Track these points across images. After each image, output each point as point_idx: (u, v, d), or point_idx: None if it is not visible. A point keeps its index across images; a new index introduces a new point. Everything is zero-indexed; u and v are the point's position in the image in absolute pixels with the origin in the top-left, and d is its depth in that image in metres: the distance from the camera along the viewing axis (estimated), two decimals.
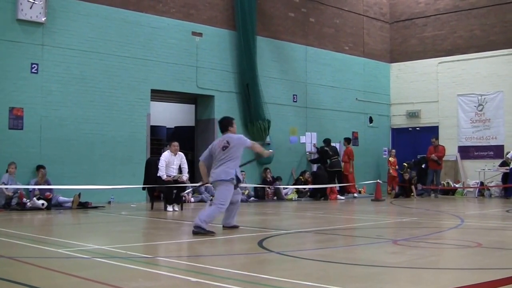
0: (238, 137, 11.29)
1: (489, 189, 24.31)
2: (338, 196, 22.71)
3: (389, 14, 28.59)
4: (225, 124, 11.45)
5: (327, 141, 23.81)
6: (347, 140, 24.70)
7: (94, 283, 6.05)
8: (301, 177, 23.00)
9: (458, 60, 26.30)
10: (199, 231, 10.28)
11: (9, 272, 6.56)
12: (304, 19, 24.85)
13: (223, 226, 11.31)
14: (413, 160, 25.63)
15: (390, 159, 25.46)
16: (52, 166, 17.39)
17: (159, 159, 16.52)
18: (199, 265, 7.31)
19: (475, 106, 25.79)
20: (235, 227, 11.39)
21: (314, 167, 24.16)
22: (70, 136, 18.01)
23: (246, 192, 21.03)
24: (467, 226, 12.57)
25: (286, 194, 22.18)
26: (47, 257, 7.83)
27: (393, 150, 25.73)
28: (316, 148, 24.55)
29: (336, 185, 23.10)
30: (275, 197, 21.87)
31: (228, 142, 10.95)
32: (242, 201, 19.86)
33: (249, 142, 11.43)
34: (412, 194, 24.16)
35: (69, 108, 18.02)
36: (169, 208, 16.02)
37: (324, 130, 24.94)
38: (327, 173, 23.16)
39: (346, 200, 22.58)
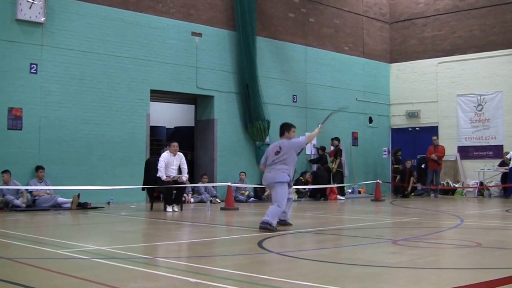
0: (290, 142, 11.88)
1: (488, 189, 24.33)
2: (338, 196, 22.73)
3: (388, 14, 28.60)
4: (282, 130, 12.12)
5: (323, 148, 23.94)
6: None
7: (93, 284, 6.04)
8: (301, 178, 22.98)
9: (457, 60, 26.32)
10: (266, 226, 11.00)
11: (8, 273, 6.55)
12: (304, 19, 24.85)
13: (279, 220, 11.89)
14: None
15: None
16: (51, 167, 17.39)
17: (158, 160, 16.51)
18: (199, 265, 7.30)
19: (474, 106, 25.80)
20: (288, 224, 12.06)
21: (314, 167, 24.15)
22: (69, 137, 17.99)
23: (246, 192, 21.03)
24: (466, 226, 12.57)
25: None
26: (46, 258, 7.82)
27: (399, 151, 25.71)
28: (316, 148, 24.55)
29: (336, 185, 23.10)
30: None
31: (280, 148, 11.74)
32: (241, 201, 20.12)
33: (303, 140, 12.22)
34: (412, 193, 24.26)
35: (68, 109, 18.01)
36: (169, 208, 16.01)
37: (324, 130, 24.58)
38: (326, 173, 23.21)
39: (345, 200, 22.59)
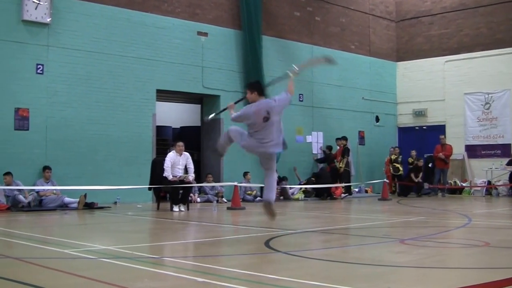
0: (278, 102, 10.08)
1: (496, 188, 24.22)
2: (342, 192, 22.85)
3: (395, 12, 28.54)
4: (260, 89, 10.24)
5: (329, 148, 23.99)
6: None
7: (100, 284, 6.03)
8: (313, 178, 22.94)
9: (464, 59, 26.22)
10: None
11: (15, 273, 6.54)
12: (310, 18, 24.81)
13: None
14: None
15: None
16: (58, 167, 17.40)
17: (164, 160, 16.52)
18: (206, 265, 7.28)
19: (482, 105, 25.70)
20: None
21: (320, 167, 24.13)
22: (76, 137, 18.00)
23: (253, 192, 21.00)
24: (474, 225, 12.51)
25: (292, 193, 22.15)
26: (53, 258, 7.82)
27: (394, 149, 25.82)
28: (323, 150, 24.53)
29: (342, 185, 23.09)
30: (281, 197, 21.83)
31: (268, 113, 9.76)
32: (248, 201, 20.10)
33: (288, 96, 10.34)
34: (419, 193, 24.29)
35: (74, 109, 18.02)
36: (175, 208, 16.00)
37: (331, 129, 24.90)
38: (333, 172, 23.24)
39: (352, 199, 22.58)
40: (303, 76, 24.15)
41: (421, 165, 24.98)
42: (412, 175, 24.69)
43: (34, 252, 8.52)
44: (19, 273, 6.64)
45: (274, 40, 23.27)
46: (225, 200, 19.92)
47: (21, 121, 17.07)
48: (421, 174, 24.84)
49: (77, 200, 16.69)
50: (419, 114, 27.53)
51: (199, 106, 22.93)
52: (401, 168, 25.10)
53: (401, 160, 25.33)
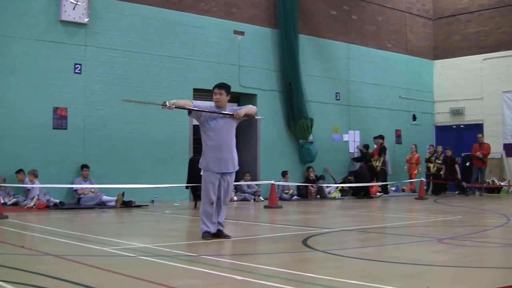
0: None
1: None
2: (378, 190, 22.76)
3: (432, 10, 28.32)
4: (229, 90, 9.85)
5: (366, 146, 23.89)
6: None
7: (140, 281, 6.08)
8: (350, 177, 22.87)
9: (502, 57, 25.91)
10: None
11: (55, 270, 6.62)
12: (346, 17, 24.74)
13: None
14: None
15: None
16: (95, 166, 17.58)
17: None
18: (244, 263, 7.30)
19: None
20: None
21: (356, 166, 24.04)
22: (113, 136, 18.17)
23: (290, 191, 21.01)
24: None
25: (329, 192, 22.11)
26: (92, 255, 7.90)
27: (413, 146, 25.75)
28: (360, 149, 24.44)
29: (378, 184, 23.00)
30: (318, 196, 21.83)
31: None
32: (285, 199, 20.07)
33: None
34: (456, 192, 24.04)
35: (112, 108, 18.18)
36: None
37: (367, 128, 24.78)
38: (370, 171, 23.13)
39: (387, 198, 22.46)
40: (340, 75, 24.14)
41: (449, 154, 24.75)
42: (432, 166, 24.72)
43: (74, 249, 8.61)
44: (59, 270, 6.71)
45: (310, 38, 23.25)
46: (262, 199, 19.95)
47: (60, 120, 17.27)
48: (458, 167, 24.66)
49: (115, 198, 16.85)
50: (457, 112, 27.28)
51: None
52: (436, 168, 24.98)
53: (435, 159, 25.20)
